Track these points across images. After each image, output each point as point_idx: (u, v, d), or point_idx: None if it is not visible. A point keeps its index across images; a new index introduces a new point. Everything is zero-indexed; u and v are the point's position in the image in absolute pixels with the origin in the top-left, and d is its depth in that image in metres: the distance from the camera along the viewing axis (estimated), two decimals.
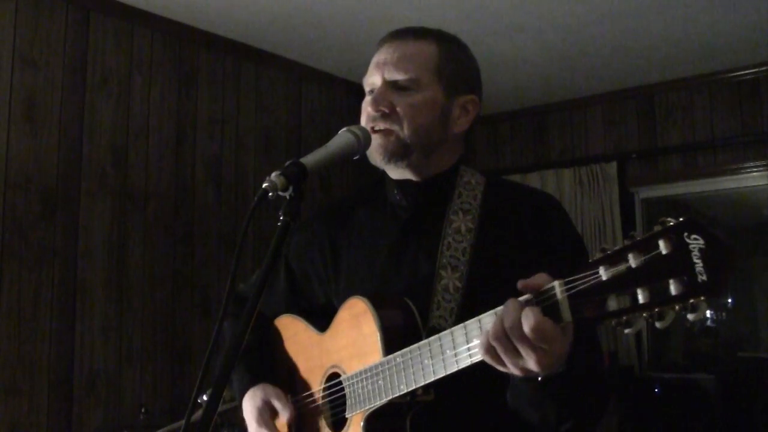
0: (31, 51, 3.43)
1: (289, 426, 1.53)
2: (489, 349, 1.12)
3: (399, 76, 1.46)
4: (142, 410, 3.38)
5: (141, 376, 3.72)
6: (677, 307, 0.96)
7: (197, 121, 4.11)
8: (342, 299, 1.48)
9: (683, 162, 4.97)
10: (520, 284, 1.11)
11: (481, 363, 1.16)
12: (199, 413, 1.11)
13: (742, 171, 4.77)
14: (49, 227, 3.43)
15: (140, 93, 3.85)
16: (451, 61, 1.50)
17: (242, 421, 1.74)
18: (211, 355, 1.13)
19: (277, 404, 1.54)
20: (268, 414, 1.54)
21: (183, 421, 1.15)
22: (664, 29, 4.10)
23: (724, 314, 5.33)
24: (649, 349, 4.98)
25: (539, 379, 1.16)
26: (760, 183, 4.75)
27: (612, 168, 5.10)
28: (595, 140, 5.32)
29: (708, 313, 5.33)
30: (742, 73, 4.71)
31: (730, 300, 5.28)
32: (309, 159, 1.27)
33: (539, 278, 1.11)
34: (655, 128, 5.06)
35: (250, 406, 1.56)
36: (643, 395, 4.50)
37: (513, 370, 1.13)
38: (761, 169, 4.69)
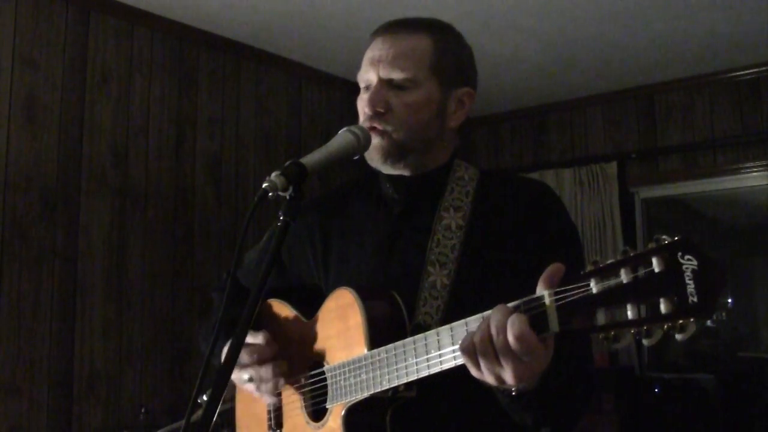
0: (31, 51, 3.43)
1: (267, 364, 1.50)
2: (469, 349, 1.11)
3: (394, 75, 1.44)
4: (142, 410, 3.38)
5: (141, 376, 3.72)
6: (666, 326, 0.96)
7: (197, 121, 4.11)
8: (330, 289, 1.47)
9: (683, 162, 4.97)
10: (549, 271, 1.08)
11: (465, 365, 1.15)
12: (199, 413, 1.11)
13: (742, 171, 4.77)
14: (49, 227, 3.44)
15: (140, 93, 3.85)
16: (446, 54, 1.48)
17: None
18: (210, 356, 1.13)
19: (248, 337, 1.50)
20: (242, 350, 1.49)
21: (183, 421, 1.15)
22: (664, 29, 4.10)
23: (724, 314, 5.33)
24: (649, 349, 4.98)
25: (513, 393, 1.16)
26: (760, 183, 4.76)
27: (612, 168, 5.10)
28: (595, 140, 5.32)
29: None
30: (742, 73, 4.71)
31: (730, 300, 5.28)
32: (309, 159, 1.27)
33: (557, 268, 1.08)
34: (655, 128, 5.07)
35: (225, 351, 1.51)
36: (643, 395, 4.50)
37: (488, 376, 1.12)
38: (761, 169, 4.69)
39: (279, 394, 1.56)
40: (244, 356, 1.50)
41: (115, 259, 3.67)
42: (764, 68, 4.63)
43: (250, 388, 1.53)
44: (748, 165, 4.73)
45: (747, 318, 5.30)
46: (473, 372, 1.13)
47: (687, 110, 4.95)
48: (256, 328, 1.64)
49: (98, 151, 3.65)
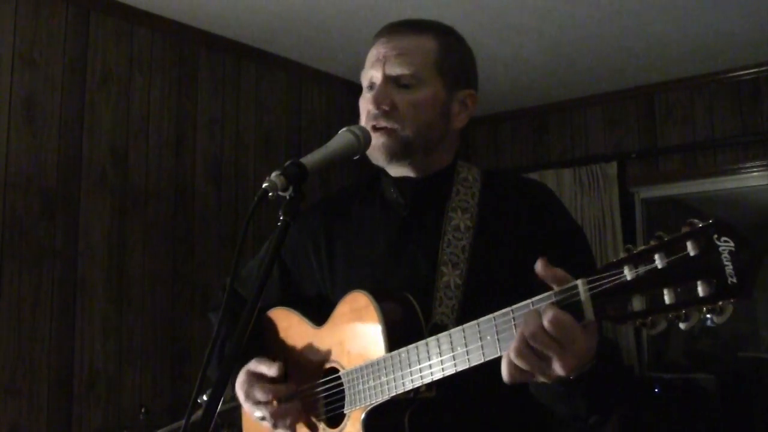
0: (31, 51, 3.43)
1: (279, 391, 1.48)
2: (513, 373, 1.11)
3: (400, 72, 1.45)
4: (142, 410, 3.38)
5: (141, 376, 3.72)
6: (705, 309, 0.96)
7: (197, 121, 4.11)
8: (338, 294, 1.46)
9: (683, 162, 4.96)
10: (541, 267, 1.09)
11: (487, 361, 1.15)
12: (199, 413, 1.10)
13: (742, 171, 4.77)
14: (49, 227, 3.43)
15: (140, 93, 3.85)
16: (450, 55, 1.49)
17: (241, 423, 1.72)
18: (210, 356, 1.13)
19: (263, 367, 1.49)
20: (254, 380, 1.49)
21: (183, 421, 1.15)
22: (664, 29, 4.10)
23: None
24: (649, 349, 4.98)
25: (571, 378, 1.15)
26: (760, 183, 4.75)
27: (612, 168, 5.10)
28: (595, 140, 5.32)
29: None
30: (742, 73, 4.71)
31: None
32: (309, 159, 1.27)
33: (560, 272, 1.10)
34: (655, 128, 5.06)
35: (238, 384, 1.52)
36: (643, 395, 4.50)
37: (541, 378, 1.12)
38: (761, 169, 4.69)
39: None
40: (258, 393, 1.48)
41: (115, 259, 3.66)
42: (764, 68, 4.62)
43: (264, 425, 1.51)
44: (748, 165, 4.73)
45: (747, 318, 5.29)
46: (528, 378, 1.14)
47: (687, 110, 4.95)
48: (262, 338, 1.64)
49: (98, 151, 3.65)
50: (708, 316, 0.96)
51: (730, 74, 4.74)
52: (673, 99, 5.00)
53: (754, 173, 4.74)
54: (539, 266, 1.10)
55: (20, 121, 3.37)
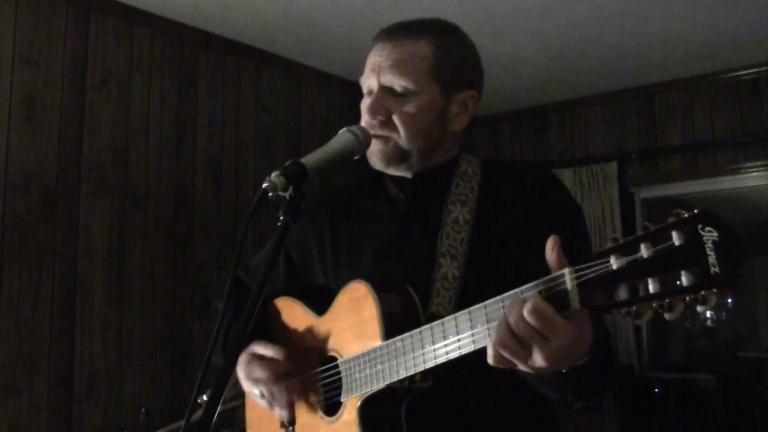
0: (31, 51, 3.43)
1: (282, 370, 1.50)
2: (498, 358, 1.11)
3: (394, 83, 1.45)
4: (142, 410, 3.39)
5: (141, 376, 3.72)
6: (688, 299, 0.96)
7: (197, 121, 4.11)
8: (341, 284, 1.48)
9: (683, 162, 4.97)
10: (549, 247, 1.08)
11: (483, 350, 1.15)
12: (199, 413, 1.10)
13: (742, 171, 4.77)
14: (49, 227, 3.44)
15: (140, 93, 3.85)
16: (447, 59, 1.48)
17: (242, 420, 1.73)
18: (214, 344, 1.14)
19: (264, 351, 1.51)
20: (254, 359, 1.51)
21: (183, 421, 1.15)
22: (664, 29, 4.10)
23: (724, 314, 5.33)
24: (649, 349, 4.98)
25: (563, 371, 1.15)
26: (760, 183, 4.76)
27: (612, 168, 5.10)
28: (595, 140, 5.32)
29: (708, 313, 5.33)
30: (742, 73, 4.71)
31: (730, 300, 5.28)
32: (309, 159, 1.27)
33: (564, 261, 1.09)
34: (655, 128, 5.07)
35: (240, 366, 1.53)
36: (643, 395, 4.50)
37: (523, 368, 1.12)
38: (761, 169, 4.69)
39: (292, 410, 1.55)
40: (257, 371, 1.50)
41: (115, 259, 3.67)
42: (764, 68, 4.63)
43: (263, 404, 1.53)
44: (748, 165, 4.73)
45: (747, 318, 5.30)
46: (511, 366, 1.13)
47: (687, 110, 4.95)
48: (266, 327, 1.65)
49: (98, 151, 3.65)
50: (692, 305, 0.96)
51: (730, 74, 4.75)
52: (673, 99, 5.00)
53: (754, 173, 4.74)
54: (548, 245, 1.09)
55: (20, 121, 3.37)
